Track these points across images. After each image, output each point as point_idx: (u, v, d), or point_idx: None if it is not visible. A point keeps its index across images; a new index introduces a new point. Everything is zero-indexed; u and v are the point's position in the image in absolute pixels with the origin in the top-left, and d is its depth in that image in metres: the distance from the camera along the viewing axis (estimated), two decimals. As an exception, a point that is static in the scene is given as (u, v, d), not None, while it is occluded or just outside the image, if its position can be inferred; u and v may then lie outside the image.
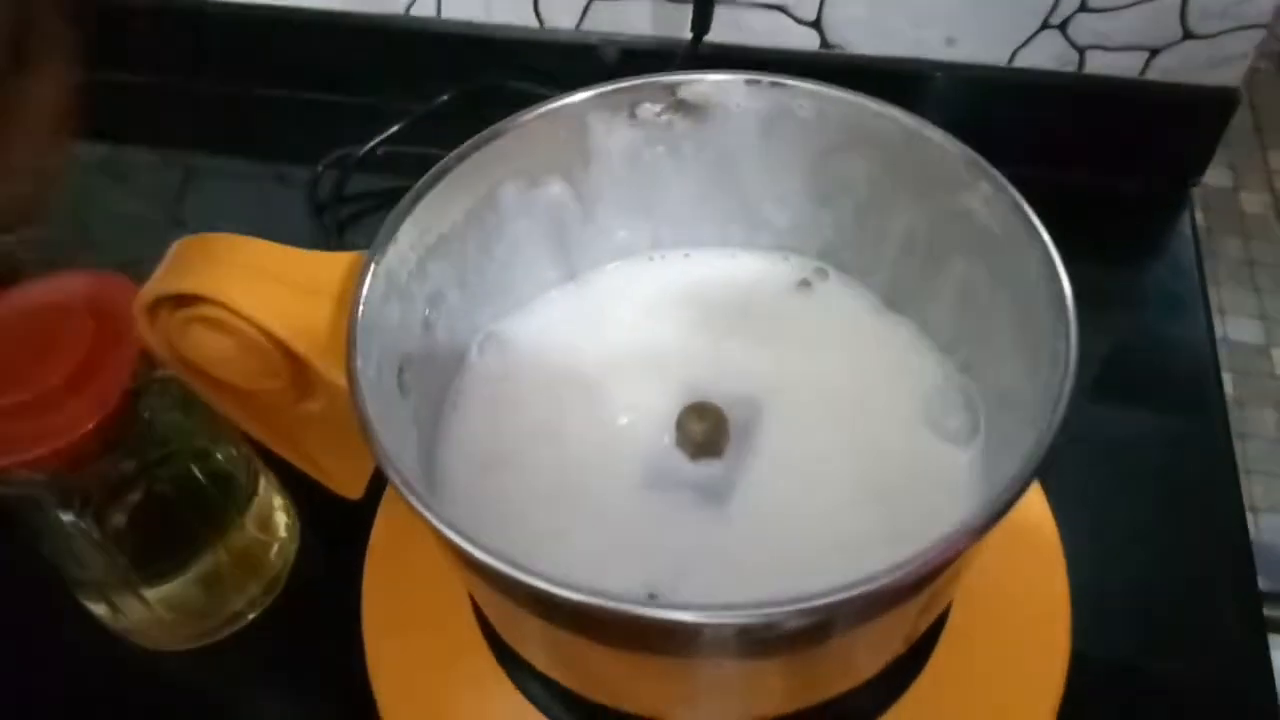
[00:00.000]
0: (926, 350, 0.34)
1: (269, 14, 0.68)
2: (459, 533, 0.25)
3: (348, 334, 0.28)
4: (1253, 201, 1.31)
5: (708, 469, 0.33)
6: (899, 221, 0.34)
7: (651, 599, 0.30)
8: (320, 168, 0.64)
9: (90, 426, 0.36)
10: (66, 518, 0.40)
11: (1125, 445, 0.49)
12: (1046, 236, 0.28)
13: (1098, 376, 0.52)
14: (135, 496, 0.41)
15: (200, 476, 0.43)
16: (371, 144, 0.64)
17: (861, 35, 0.61)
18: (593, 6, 0.63)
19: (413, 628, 0.37)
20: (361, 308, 0.29)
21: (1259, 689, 0.41)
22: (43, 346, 0.37)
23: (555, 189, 0.35)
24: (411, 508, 0.26)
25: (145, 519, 0.41)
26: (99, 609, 0.43)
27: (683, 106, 0.34)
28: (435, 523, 0.25)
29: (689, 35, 0.60)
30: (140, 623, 0.43)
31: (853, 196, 0.34)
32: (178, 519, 0.43)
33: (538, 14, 0.64)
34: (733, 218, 0.37)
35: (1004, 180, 0.30)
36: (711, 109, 0.34)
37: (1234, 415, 1.21)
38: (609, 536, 0.32)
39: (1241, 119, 1.30)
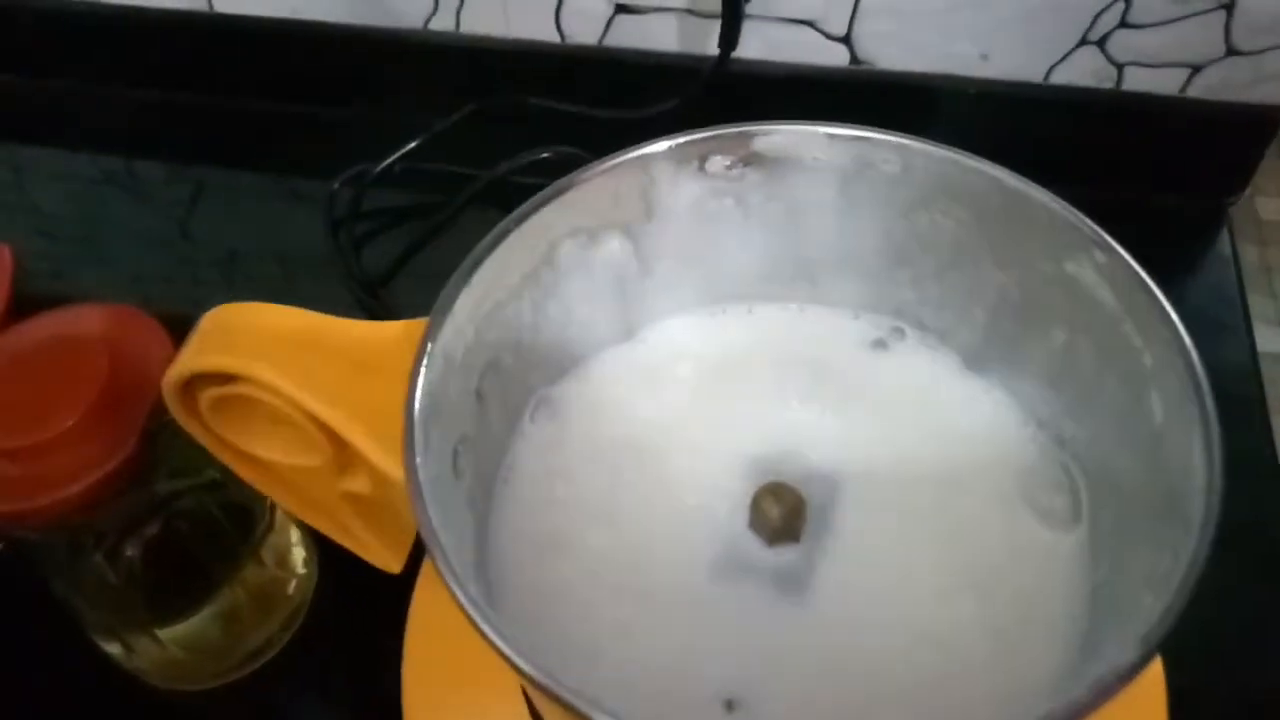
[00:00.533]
0: (1020, 421, 0.30)
1: (284, 27, 0.64)
2: (526, 658, 0.21)
3: (405, 429, 0.24)
4: (1269, 208, 1.27)
5: (785, 556, 0.29)
6: (989, 284, 0.30)
7: (730, 708, 0.27)
8: (336, 184, 0.60)
9: (110, 468, 0.33)
10: (79, 557, 0.37)
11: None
12: (1177, 320, 0.25)
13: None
14: (150, 532, 0.38)
15: (215, 511, 0.40)
16: (390, 160, 0.60)
17: (892, 51, 0.57)
18: (616, 20, 0.59)
19: (458, 710, 0.34)
20: (420, 396, 0.25)
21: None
22: (58, 383, 0.34)
23: (615, 245, 0.31)
24: (477, 628, 0.22)
25: (159, 557, 0.39)
26: (112, 648, 0.40)
27: (756, 159, 0.30)
28: (505, 648, 0.22)
29: (715, 50, 0.56)
30: (154, 663, 0.41)
31: (936, 256, 0.30)
32: (192, 556, 0.40)
33: (559, 28, 0.60)
34: (801, 273, 0.33)
35: (1123, 252, 0.26)
36: (787, 161, 0.30)
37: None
38: (680, 632, 0.28)
39: None
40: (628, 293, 0.33)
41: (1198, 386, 0.24)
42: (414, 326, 0.27)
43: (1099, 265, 0.26)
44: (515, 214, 0.28)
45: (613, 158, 0.29)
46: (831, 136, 0.29)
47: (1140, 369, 0.26)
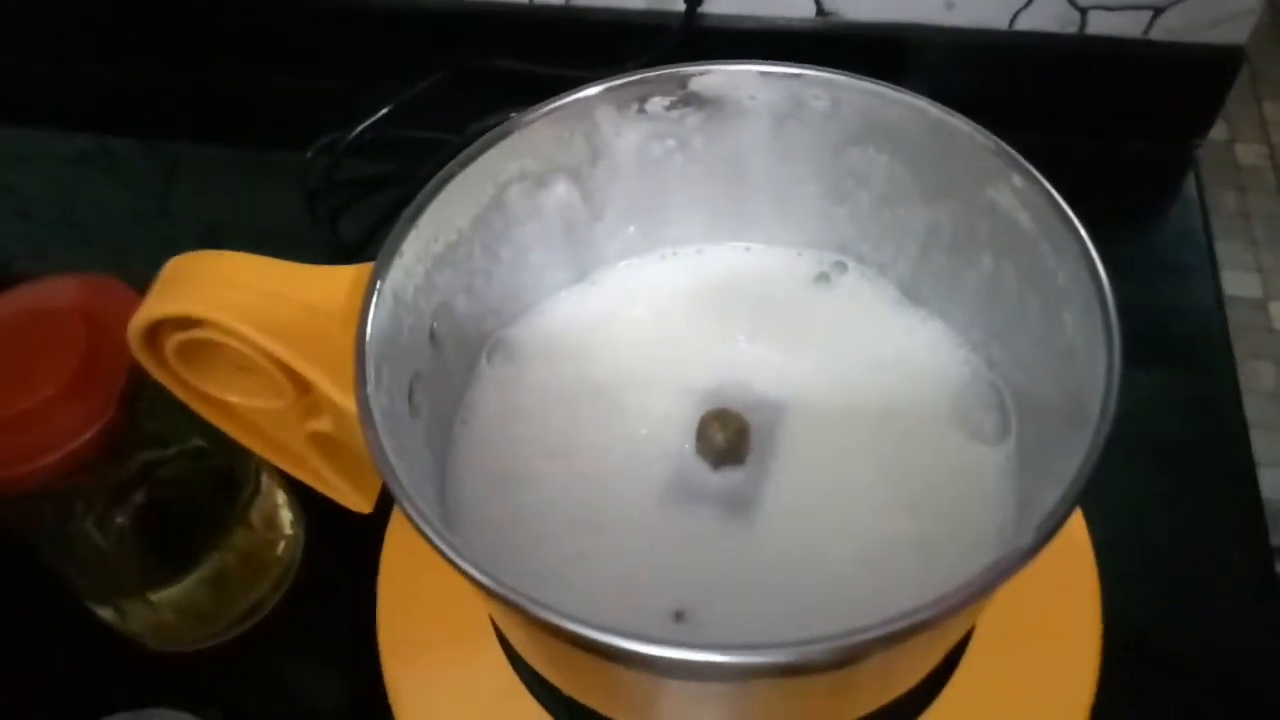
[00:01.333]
0: (953, 346, 0.32)
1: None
2: (485, 572, 0.23)
3: (355, 362, 0.26)
4: (1248, 153, 1.28)
5: (730, 478, 0.31)
6: (921, 216, 0.32)
7: (679, 619, 0.29)
8: (309, 154, 0.61)
9: (90, 435, 0.35)
10: (69, 525, 0.39)
11: (1134, 413, 0.48)
12: (1085, 235, 0.26)
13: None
14: (137, 500, 0.40)
15: (201, 476, 0.42)
16: (360, 127, 0.61)
17: (859, 1, 0.58)
18: (583, -21, 0.60)
19: (431, 645, 0.36)
20: (369, 332, 0.27)
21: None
22: (36, 354, 0.36)
23: (562, 189, 0.33)
24: (433, 544, 0.24)
25: (148, 522, 0.40)
26: (105, 613, 0.42)
27: (694, 99, 0.32)
28: (460, 563, 0.23)
29: (682, 6, 0.58)
30: (148, 626, 0.42)
31: (870, 190, 0.32)
32: (180, 521, 0.42)
33: (526, -11, 0.62)
34: (747, 213, 0.35)
35: (1037, 174, 0.28)
36: (724, 101, 0.32)
37: (1233, 370, 1.20)
38: (633, 556, 0.30)
39: None
40: (578, 237, 0.34)
41: (1102, 297, 0.25)
42: (366, 270, 0.29)
43: (1016, 189, 0.28)
44: (460, 157, 0.30)
45: (554, 100, 0.31)
46: (764, 74, 0.31)
47: (1055, 287, 0.27)
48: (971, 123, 0.29)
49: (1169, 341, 0.52)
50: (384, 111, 0.61)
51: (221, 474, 0.42)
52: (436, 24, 0.64)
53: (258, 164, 0.66)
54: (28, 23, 0.71)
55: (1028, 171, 0.28)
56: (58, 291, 0.38)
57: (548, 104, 0.31)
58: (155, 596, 0.41)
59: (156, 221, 0.64)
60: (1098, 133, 0.59)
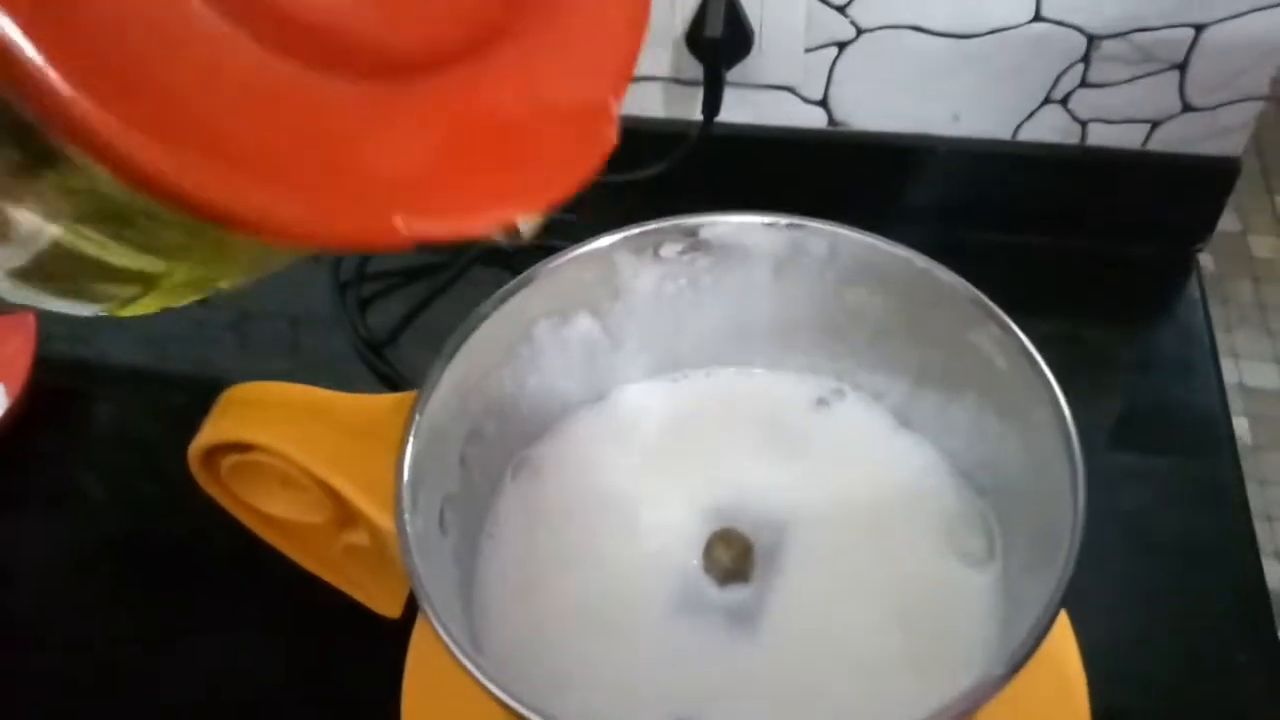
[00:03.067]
0: (945, 472, 0.36)
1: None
2: (504, 689, 0.27)
3: (395, 491, 0.30)
4: (1261, 245, 1.31)
5: (736, 594, 0.34)
6: (912, 353, 0.35)
7: (683, 727, 0.32)
8: (343, 249, 0.66)
9: None
10: None
11: (1140, 510, 0.51)
12: (1054, 382, 0.30)
13: (1112, 437, 0.54)
14: None
15: None
16: (392, 226, 0.65)
17: (867, 113, 0.62)
18: (605, 89, 0.65)
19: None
20: (408, 463, 0.31)
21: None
22: None
23: (585, 323, 0.37)
24: (458, 661, 0.28)
25: None
26: None
27: (703, 245, 0.36)
28: (481, 677, 0.27)
29: (700, 116, 0.62)
30: None
31: (864, 330, 0.36)
32: None
33: (552, 97, 0.66)
34: (752, 343, 0.39)
35: (1010, 323, 0.31)
36: (730, 247, 0.36)
37: (1252, 460, 1.22)
38: (638, 664, 0.33)
39: (1248, 163, 1.31)
40: (598, 363, 0.38)
41: (1068, 441, 0.29)
42: (404, 399, 0.33)
43: (994, 336, 0.32)
44: (493, 298, 0.34)
45: (577, 247, 0.35)
46: (767, 224, 0.35)
47: (1032, 426, 0.31)
48: (954, 274, 0.33)
49: (1173, 435, 0.55)
50: (415, 211, 0.66)
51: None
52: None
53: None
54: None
55: (1003, 321, 0.32)
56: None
57: (572, 250, 0.35)
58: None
59: (191, 307, 0.68)
60: (1101, 236, 0.62)
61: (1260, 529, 0.52)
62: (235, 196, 0.20)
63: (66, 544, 0.53)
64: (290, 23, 0.22)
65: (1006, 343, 0.32)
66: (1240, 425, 1.23)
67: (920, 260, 0.33)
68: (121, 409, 0.62)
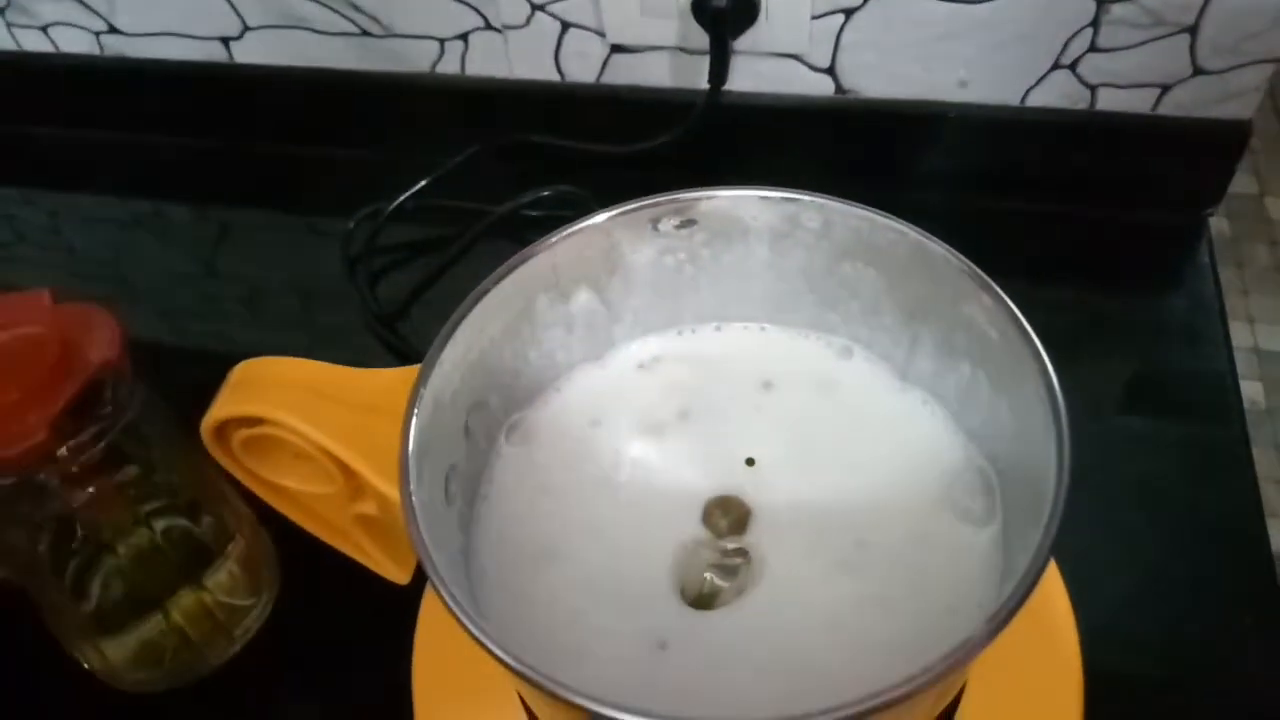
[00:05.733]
0: (950, 432, 0.37)
1: (300, 75, 0.72)
2: (509, 652, 0.28)
3: (400, 463, 0.32)
4: (1278, 207, 1.31)
5: (732, 559, 0.36)
6: (907, 325, 0.36)
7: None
8: (352, 223, 0.67)
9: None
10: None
11: (1147, 474, 0.52)
12: (1043, 352, 0.31)
13: (1119, 402, 0.55)
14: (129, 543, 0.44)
15: (174, 537, 0.46)
16: (401, 198, 0.67)
17: (875, 80, 0.63)
18: (611, 59, 0.66)
19: (461, 702, 0.41)
20: (413, 435, 0.32)
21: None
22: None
23: (584, 298, 0.38)
24: (464, 627, 0.29)
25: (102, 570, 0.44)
26: (74, 652, 0.46)
27: (701, 219, 0.37)
28: (489, 644, 0.28)
29: (706, 85, 0.63)
30: (101, 667, 0.46)
31: (860, 303, 0.37)
32: (136, 574, 0.45)
33: (559, 68, 0.67)
34: (753, 310, 0.40)
35: (1002, 294, 0.32)
36: (728, 221, 0.37)
37: (1266, 426, 1.22)
38: (636, 632, 0.34)
39: (1266, 126, 1.29)
40: (598, 336, 0.39)
41: (1055, 409, 0.30)
42: (409, 373, 0.35)
43: (985, 307, 0.33)
44: (494, 274, 0.35)
45: (575, 224, 0.36)
46: (763, 198, 0.36)
47: (1023, 393, 0.32)
48: (945, 245, 0.34)
49: (1182, 401, 0.56)
50: (423, 183, 0.67)
51: (192, 541, 0.46)
52: (473, 101, 0.70)
53: (302, 230, 0.73)
54: (90, 97, 0.78)
55: (995, 292, 0.33)
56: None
57: (571, 226, 0.36)
58: (103, 642, 0.45)
59: (205, 282, 0.70)
60: (1111, 202, 0.63)
61: (1273, 492, 0.53)
62: None
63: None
64: None
65: (998, 313, 0.33)
66: (1255, 389, 1.23)
67: (913, 233, 0.34)
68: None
